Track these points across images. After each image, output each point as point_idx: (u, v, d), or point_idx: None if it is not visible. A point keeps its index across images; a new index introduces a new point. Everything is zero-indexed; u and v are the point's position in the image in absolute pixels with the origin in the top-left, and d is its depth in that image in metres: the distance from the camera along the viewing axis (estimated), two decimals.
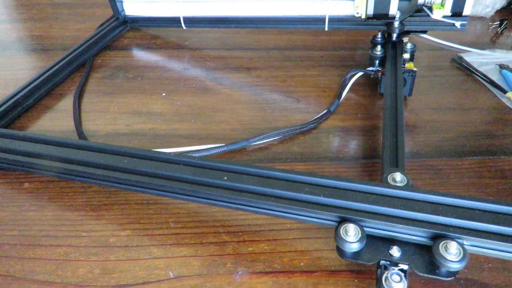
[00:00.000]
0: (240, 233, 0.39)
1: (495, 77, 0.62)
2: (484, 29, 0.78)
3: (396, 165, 0.39)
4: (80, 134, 0.51)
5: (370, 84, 0.60)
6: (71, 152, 0.41)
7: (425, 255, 0.31)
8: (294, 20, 0.64)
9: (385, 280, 0.29)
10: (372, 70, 0.58)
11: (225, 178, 0.36)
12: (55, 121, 0.55)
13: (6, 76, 0.64)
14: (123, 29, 0.76)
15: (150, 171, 0.38)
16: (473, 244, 0.30)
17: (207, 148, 0.47)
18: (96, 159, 0.39)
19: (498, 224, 0.30)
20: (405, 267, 0.30)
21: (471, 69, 0.64)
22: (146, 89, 0.61)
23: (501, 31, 0.77)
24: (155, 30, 0.77)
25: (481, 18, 0.81)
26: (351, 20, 0.61)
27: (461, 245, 0.29)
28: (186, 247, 0.37)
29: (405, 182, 0.35)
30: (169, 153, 0.40)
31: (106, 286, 0.34)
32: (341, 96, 0.57)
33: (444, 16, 0.56)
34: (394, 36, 0.58)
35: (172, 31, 0.76)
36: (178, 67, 0.67)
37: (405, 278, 0.30)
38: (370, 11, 0.58)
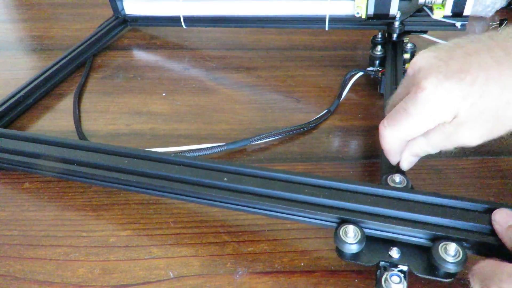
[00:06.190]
0: (240, 233, 0.39)
1: None
2: (484, 29, 0.78)
3: (396, 166, 0.39)
4: (80, 134, 0.51)
5: (370, 84, 0.60)
6: (71, 152, 0.41)
7: (424, 257, 0.31)
8: (294, 20, 0.64)
9: (385, 281, 0.29)
10: (372, 70, 0.58)
11: (225, 179, 0.36)
12: (55, 121, 0.55)
13: (6, 76, 0.64)
14: (123, 29, 0.76)
15: (150, 172, 0.38)
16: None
17: (207, 148, 0.47)
18: (96, 159, 0.39)
19: None
20: (405, 268, 0.30)
21: None
22: (146, 89, 0.61)
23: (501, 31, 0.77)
24: (155, 30, 0.77)
25: (481, 18, 0.81)
26: (351, 20, 0.61)
27: (461, 246, 0.29)
28: (186, 247, 0.37)
29: (405, 183, 0.35)
30: (169, 154, 0.40)
31: (106, 286, 0.34)
32: (341, 96, 0.57)
33: (445, 16, 0.56)
34: (395, 36, 0.58)
35: (172, 31, 0.76)
36: (178, 67, 0.67)
37: (405, 279, 0.30)
38: (371, 11, 0.58)
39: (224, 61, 0.68)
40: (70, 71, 0.64)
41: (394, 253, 0.31)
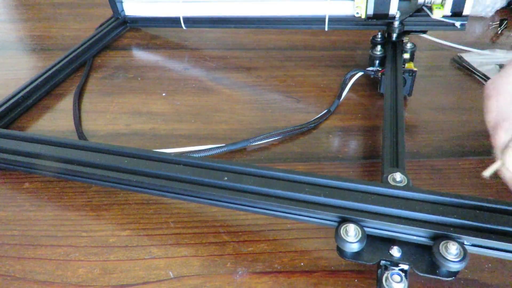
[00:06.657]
0: (240, 233, 0.39)
1: None
2: (484, 29, 0.78)
3: (396, 165, 0.39)
4: (80, 134, 0.51)
5: (370, 84, 0.60)
6: (71, 152, 0.41)
7: (425, 255, 0.31)
8: (294, 20, 0.64)
9: (386, 280, 0.29)
10: (372, 70, 0.58)
11: (225, 178, 0.36)
12: (55, 121, 0.55)
13: (6, 76, 0.64)
14: (123, 29, 0.76)
15: (150, 171, 0.38)
16: (473, 244, 0.30)
17: (207, 149, 0.47)
18: (96, 159, 0.39)
19: (498, 224, 0.30)
20: (406, 267, 0.30)
21: (471, 69, 0.64)
22: (146, 89, 0.61)
23: (501, 31, 0.77)
24: (155, 30, 0.77)
25: (481, 18, 0.81)
26: (351, 20, 0.61)
27: (462, 245, 0.29)
28: (186, 247, 0.37)
29: (405, 182, 0.35)
30: (169, 153, 0.40)
31: (106, 286, 0.34)
32: (341, 96, 0.57)
33: (444, 16, 0.56)
34: (394, 36, 0.58)
35: (172, 31, 0.76)
36: (178, 67, 0.67)
37: (406, 278, 0.29)
38: (370, 11, 0.58)
39: (224, 61, 0.68)
40: (70, 72, 0.64)
41: (395, 251, 0.31)
